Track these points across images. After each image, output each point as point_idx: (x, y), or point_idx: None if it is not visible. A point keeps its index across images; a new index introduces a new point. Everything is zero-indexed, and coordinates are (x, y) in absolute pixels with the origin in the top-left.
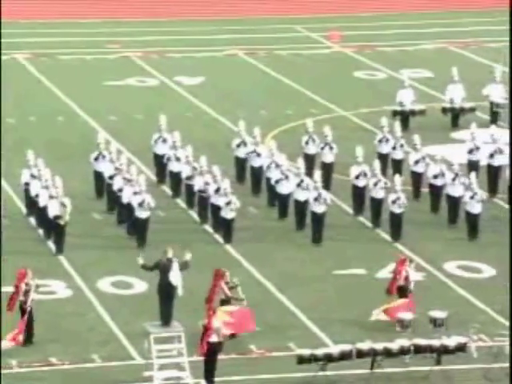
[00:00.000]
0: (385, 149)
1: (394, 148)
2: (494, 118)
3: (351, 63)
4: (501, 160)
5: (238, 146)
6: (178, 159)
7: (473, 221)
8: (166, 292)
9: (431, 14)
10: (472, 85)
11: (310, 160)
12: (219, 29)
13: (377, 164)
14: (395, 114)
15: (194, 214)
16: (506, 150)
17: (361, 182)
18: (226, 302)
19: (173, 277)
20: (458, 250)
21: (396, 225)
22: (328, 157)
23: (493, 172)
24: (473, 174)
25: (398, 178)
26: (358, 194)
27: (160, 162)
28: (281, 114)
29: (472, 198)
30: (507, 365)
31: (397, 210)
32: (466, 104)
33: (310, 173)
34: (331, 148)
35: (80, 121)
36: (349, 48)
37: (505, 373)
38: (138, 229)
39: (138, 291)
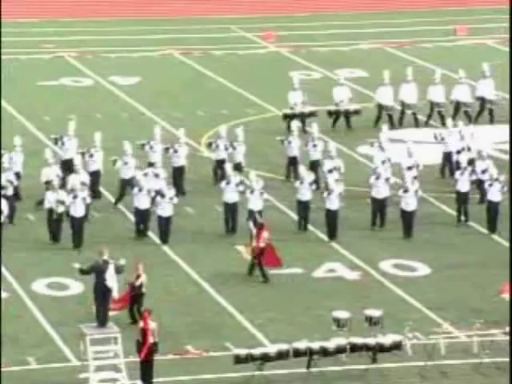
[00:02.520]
0: (294, 151)
1: (314, 146)
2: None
3: (286, 63)
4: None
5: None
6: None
7: (407, 219)
8: (101, 293)
9: (366, 15)
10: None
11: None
12: (154, 29)
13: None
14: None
15: (130, 215)
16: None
17: (333, 176)
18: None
19: (109, 279)
20: (393, 249)
21: (332, 224)
22: (314, 154)
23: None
24: (408, 173)
25: (330, 177)
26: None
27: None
28: (216, 114)
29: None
30: (441, 362)
31: (333, 207)
32: (351, 106)
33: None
34: (314, 145)
35: (14, 121)
36: (284, 48)
37: (438, 370)
38: (73, 228)
39: (73, 292)
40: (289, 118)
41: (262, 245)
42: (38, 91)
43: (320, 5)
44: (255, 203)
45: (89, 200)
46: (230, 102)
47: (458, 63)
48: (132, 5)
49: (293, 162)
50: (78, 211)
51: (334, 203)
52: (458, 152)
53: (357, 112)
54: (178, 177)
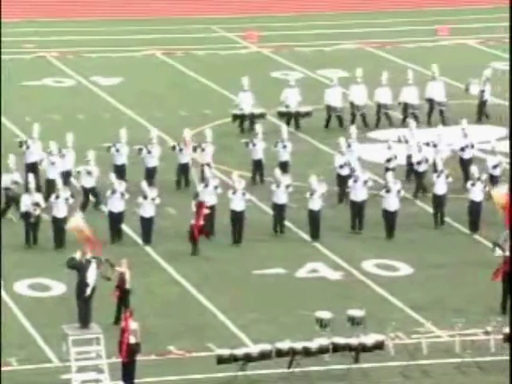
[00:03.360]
0: (258, 154)
1: (284, 147)
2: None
3: (268, 63)
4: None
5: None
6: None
7: (390, 219)
8: (84, 294)
9: (348, 15)
10: (389, 85)
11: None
12: (136, 29)
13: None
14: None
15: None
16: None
17: (344, 171)
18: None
19: (89, 277)
20: (375, 249)
21: (314, 224)
22: (283, 155)
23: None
24: (389, 174)
25: (313, 177)
26: (342, 183)
27: None
28: (198, 114)
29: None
30: (423, 362)
31: (315, 207)
32: (303, 108)
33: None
34: (284, 146)
35: None
36: (266, 48)
37: (421, 370)
38: (55, 229)
39: (55, 293)
40: (238, 118)
41: (201, 222)
42: (20, 92)
43: (302, 5)
44: (237, 203)
45: (71, 200)
46: (213, 102)
47: (440, 63)
48: (114, 5)
49: (258, 164)
50: (60, 212)
51: (316, 204)
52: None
53: (307, 114)
54: (151, 177)
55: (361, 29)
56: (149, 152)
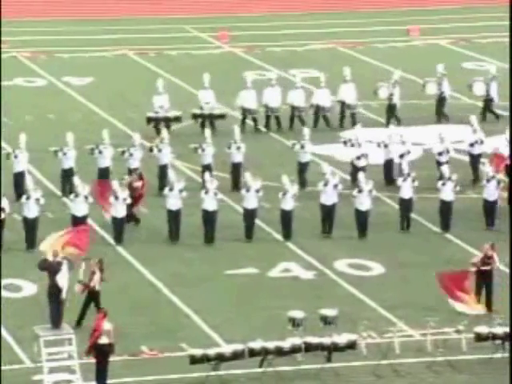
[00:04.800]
0: (208, 159)
1: (238, 149)
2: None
3: (241, 63)
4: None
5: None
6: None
7: (361, 218)
8: (55, 294)
9: (320, 15)
10: (362, 84)
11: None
12: (108, 29)
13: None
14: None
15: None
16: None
17: (361, 163)
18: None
19: (60, 279)
20: (347, 249)
21: (287, 224)
22: (237, 157)
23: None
24: (361, 174)
25: (285, 177)
26: (356, 173)
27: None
28: (171, 114)
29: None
30: (395, 361)
31: (287, 207)
32: (217, 110)
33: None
34: (238, 148)
35: None
36: (238, 48)
37: (392, 369)
38: (27, 229)
39: (27, 294)
40: (153, 121)
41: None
42: None
43: (274, 5)
44: (209, 203)
45: (42, 201)
46: (185, 102)
47: (411, 63)
48: (85, 4)
49: (207, 169)
50: (31, 212)
51: (288, 203)
52: (401, 156)
53: (222, 116)
54: (104, 178)
55: (333, 29)
56: (100, 152)
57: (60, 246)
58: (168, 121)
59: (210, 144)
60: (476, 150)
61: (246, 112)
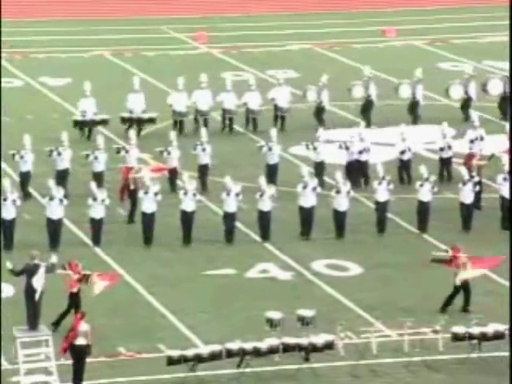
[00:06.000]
0: (173, 162)
1: (203, 150)
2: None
3: (218, 64)
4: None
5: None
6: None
7: (340, 219)
8: (31, 296)
9: (297, 16)
10: (338, 85)
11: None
12: (85, 29)
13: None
14: (123, 120)
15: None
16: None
17: (363, 157)
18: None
19: (36, 281)
20: (325, 249)
21: (264, 225)
22: (203, 158)
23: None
24: (338, 173)
25: (262, 178)
26: (361, 168)
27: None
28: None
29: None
30: (372, 361)
31: (265, 209)
32: (146, 114)
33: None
34: (203, 149)
35: None
36: (215, 49)
37: (369, 369)
38: (4, 231)
39: (4, 295)
40: (127, 121)
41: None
42: None
43: (251, 6)
44: (188, 204)
45: (19, 202)
46: (162, 102)
47: (387, 64)
48: (62, 5)
49: (174, 171)
50: (8, 213)
51: (266, 204)
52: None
53: (151, 120)
54: (61, 180)
55: (309, 30)
56: (59, 154)
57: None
58: (141, 122)
59: (175, 147)
60: (446, 154)
61: (225, 113)
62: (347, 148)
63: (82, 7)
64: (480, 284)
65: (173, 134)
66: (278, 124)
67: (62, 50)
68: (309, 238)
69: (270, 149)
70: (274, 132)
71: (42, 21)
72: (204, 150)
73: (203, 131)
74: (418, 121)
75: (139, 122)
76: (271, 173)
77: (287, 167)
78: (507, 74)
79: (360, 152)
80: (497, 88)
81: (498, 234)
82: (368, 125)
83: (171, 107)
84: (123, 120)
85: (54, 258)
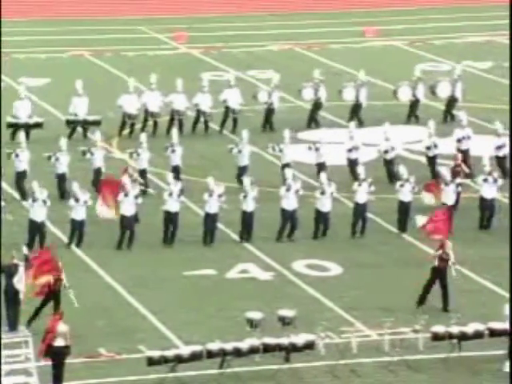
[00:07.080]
0: (143, 164)
1: (173, 152)
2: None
3: (198, 64)
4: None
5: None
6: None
7: (323, 219)
8: (11, 297)
9: (276, 16)
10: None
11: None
12: (64, 29)
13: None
14: (68, 122)
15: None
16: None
17: (353, 155)
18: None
19: (17, 281)
20: (305, 249)
21: (247, 225)
22: (174, 159)
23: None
24: (322, 174)
25: (246, 179)
26: (351, 166)
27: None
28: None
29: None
30: (353, 361)
31: (249, 209)
32: (91, 117)
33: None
34: (173, 151)
35: None
36: (195, 49)
37: (350, 369)
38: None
39: None
40: (13, 127)
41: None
42: None
43: (230, 6)
44: (172, 205)
45: (3, 203)
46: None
47: (367, 64)
48: (42, 5)
49: (143, 173)
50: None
51: (249, 205)
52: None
53: (38, 125)
54: (20, 182)
55: (289, 30)
56: (17, 156)
57: (31, 281)
58: (30, 127)
59: (145, 149)
60: (432, 153)
61: (200, 113)
62: (317, 149)
63: (61, 7)
64: (459, 283)
65: (143, 136)
66: (230, 126)
67: (41, 51)
68: (293, 240)
69: (239, 151)
70: (245, 133)
71: (21, 21)
72: (174, 151)
73: (174, 132)
74: (417, 120)
75: (28, 127)
76: (242, 174)
77: (267, 167)
78: (458, 76)
79: (350, 150)
80: (445, 91)
81: (477, 234)
82: (360, 124)
83: (121, 108)
84: (68, 123)
85: (25, 249)
